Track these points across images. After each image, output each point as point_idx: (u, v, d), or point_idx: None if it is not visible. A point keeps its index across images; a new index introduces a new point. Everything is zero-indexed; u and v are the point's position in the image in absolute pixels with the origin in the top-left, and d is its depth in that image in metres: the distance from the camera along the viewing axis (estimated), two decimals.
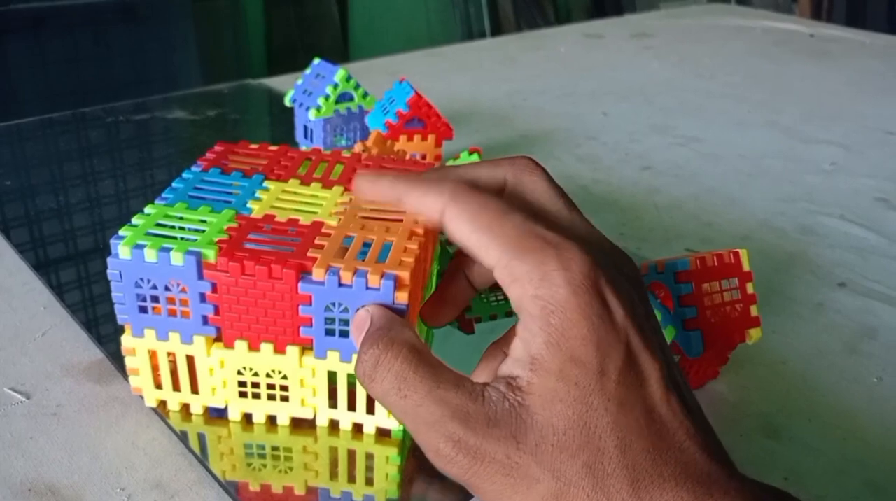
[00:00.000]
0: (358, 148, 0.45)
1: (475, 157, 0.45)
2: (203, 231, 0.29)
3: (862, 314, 0.43)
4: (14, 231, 0.48)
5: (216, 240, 0.28)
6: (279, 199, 0.32)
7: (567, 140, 0.68)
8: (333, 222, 0.30)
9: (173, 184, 0.32)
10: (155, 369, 0.31)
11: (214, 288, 0.28)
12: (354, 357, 0.28)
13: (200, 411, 0.32)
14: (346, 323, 0.28)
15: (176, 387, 0.31)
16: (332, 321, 0.28)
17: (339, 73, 0.55)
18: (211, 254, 0.27)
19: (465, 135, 0.66)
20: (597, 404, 0.23)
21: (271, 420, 0.32)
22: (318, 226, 0.30)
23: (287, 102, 0.58)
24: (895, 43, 1.06)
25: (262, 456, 0.30)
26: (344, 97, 0.56)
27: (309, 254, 0.28)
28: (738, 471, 0.23)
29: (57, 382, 0.34)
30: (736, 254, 0.33)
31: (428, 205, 0.27)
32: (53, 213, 0.50)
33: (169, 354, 0.30)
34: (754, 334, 0.33)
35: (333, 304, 0.27)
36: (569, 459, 0.23)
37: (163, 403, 0.32)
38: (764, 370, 0.38)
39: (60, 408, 0.33)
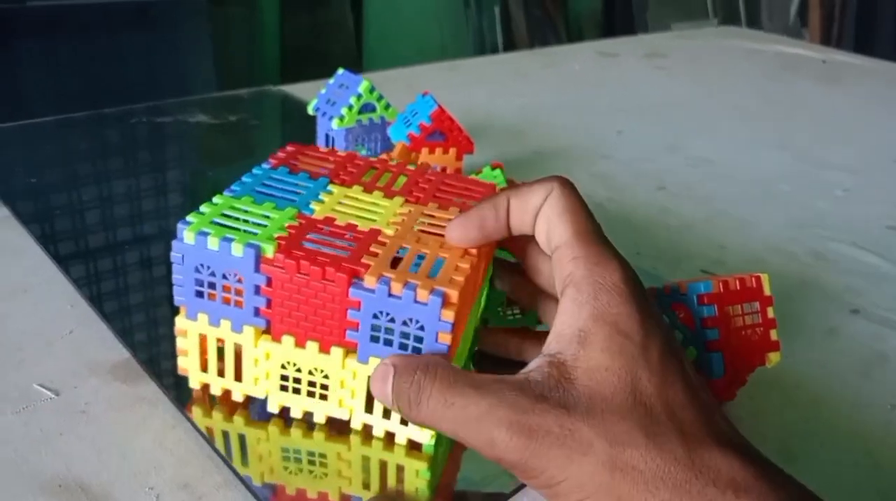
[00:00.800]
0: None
1: (498, 173, 0.45)
2: (265, 226, 0.30)
3: (874, 340, 0.44)
4: (41, 229, 0.48)
5: (276, 236, 0.29)
6: (341, 204, 0.33)
7: (582, 157, 0.69)
8: (390, 231, 0.31)
9: (243, 179, 0.34)
10: (203, 353, 0.32)
11: (269, 282, 0.29)
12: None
13: (241, 398, 0.32)
14: (391, 331, 0.29)
15: (220, 373, 0.32)
16: (378, 328, 0.29)
17: (364, 85, 0.56)
18: (269, 249, 0.29)
19: (479, 148, 0.67)
20: (641, 374, 0.25)
21: (308, 424, 0.32)
22: (374, 233, 0.31)
23: (310, 111, 0.58)
24: None
25: (295, 461, 0.31)
26: (366, 108, 0.57)
27: (363, 261, 0.29)
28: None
29: (84, 380, 0.35)
30: (758, 279, 0.33)
31: (537, 190, 0.30)
32: (80, 212, 0.51)
33: (218, 340, 0.31)
34: (774, 358, 0.33)
35: (381, 312, 0.28)
36: (619, 420, 0.24)
37: (205, 386, 0.33)
38: (778, 393, 0.38)
39: (89, 406, 0.33)
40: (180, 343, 0.32)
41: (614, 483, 0.23)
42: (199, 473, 0.30)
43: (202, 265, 0.29)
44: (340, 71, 0.59)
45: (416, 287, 0.27)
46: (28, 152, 0.60)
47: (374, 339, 0.29)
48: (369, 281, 0.28)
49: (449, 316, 0.27)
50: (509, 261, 0.37)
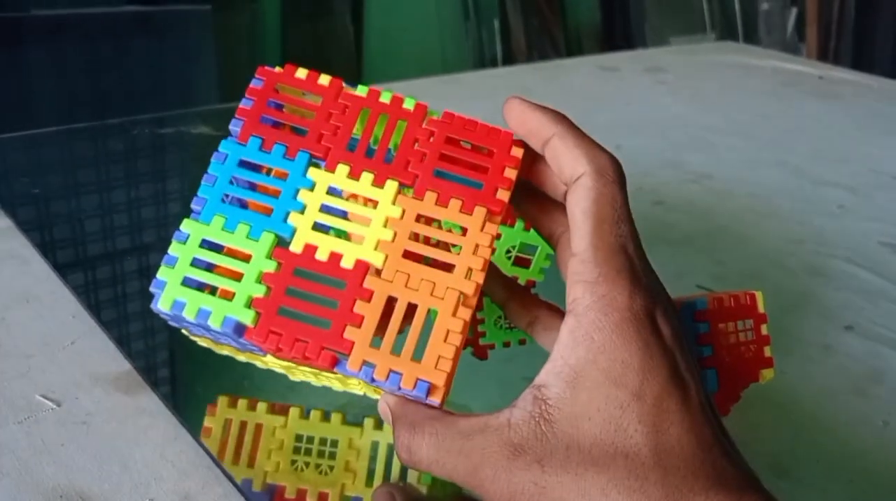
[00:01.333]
0: None
1: None
2: (240, 276, 0.28)
3: (869, 357, 0.44)
4: (43, 238, 0.49)
5: (253, 298, 0.27)
6: (322, 211, 0.29)
7: None
8: (378, 261, 0.28)
9: (209, 170, 0.30)
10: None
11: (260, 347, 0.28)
12: None
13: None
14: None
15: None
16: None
17: None
18: (248, 319, 0.27)
19: None
20: (627, 425, 0.23)
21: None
22: (361, 270, 0.28)
23: None
24: None
25: (306, 457, 0.32)
26: None
27: (345, 337, 0.27)
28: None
29: (86, 391, 0.35)
30: (752, 296, 0.34)
31: (573, 163, 0.27)
32: (82, 222, 0.52)
33: None
34: (767, 374, 0.34)
35: (371, 380, 0.28)
36: (596, 474, 0.23)
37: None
38: (773, 410, 0.39)
39: (90, 417, 0.33)
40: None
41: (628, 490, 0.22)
42: (199, 485, 0.30)
43: (190, 323, 0.28)
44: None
45: (401, 377, 0.27)
46: (31, 162, 0.61)
47: None
48: (352, 365, 0.27)
49: (437, 397, 0.27)
50: (505, 276, 0.37)
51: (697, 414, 0.24)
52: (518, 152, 0.31)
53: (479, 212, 0.30)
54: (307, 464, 0.32)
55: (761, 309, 0.34)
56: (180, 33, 1.49)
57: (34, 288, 0.43)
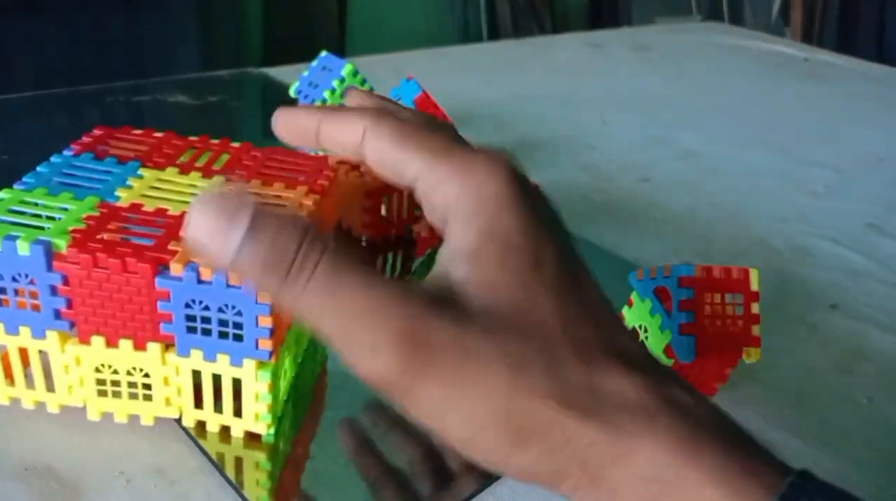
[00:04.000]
0: None
1: None
2: (59, 219, 0.27)
3: (853, 336, 0.44)
4: None
5: (71, 229, 0.27)
6: (152, 188, 0.30)
7: (568, 147, 0.68)
8: None
9: (37, 169, 0.31)
10: (6, 366, 0.30)
11: (66, 281, 0.27)
12: (218, 356, 0.28)
13: (57, 410, 0.30)
14: (208, 320, 0.27)
15: (30, 385, 0.30)
16: (194, 318, 0.27)
17: (347, 68, 0.55)
18: (62, 244, 0.26)
19: (466, 136, 0.66)
20: (537, 290, 0.22)
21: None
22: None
23: (292, 93, 0.57)
24: (886, 70, 1.08)
25: None
26: None
27: (170, 247, 0.26)
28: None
29: None
30: (746, 272, 0.33)
31: (349, 128, 0.25)
32: None
33: (20, 349, 0.29)
34: (753, 353, 0.33)
35: (193, 301, 0.26)
36: (519, 341, 0.21)
37: (16, 401, 0.30)
38: (758, 387, 0.38)
39: None
40: None
41: (516, 412, 0.20)
42: (172, 458, 0.29)
43: None
44: (324, 53, 0.58)
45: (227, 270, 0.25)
46: (1, 127, 0.59)
47: (192, 330, 0.27)
48: (175, 268, 0.26)
49: (266, 297, 0.26)
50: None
51: (593, 293, 0.23)
52: (333, 167, 0.33)
53: (301, 188, 0.31)
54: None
55: (754, 286, 0.33)
56: (162, 3, 1.46)
57: None
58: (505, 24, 1.95)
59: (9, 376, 0.30)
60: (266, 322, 0.27)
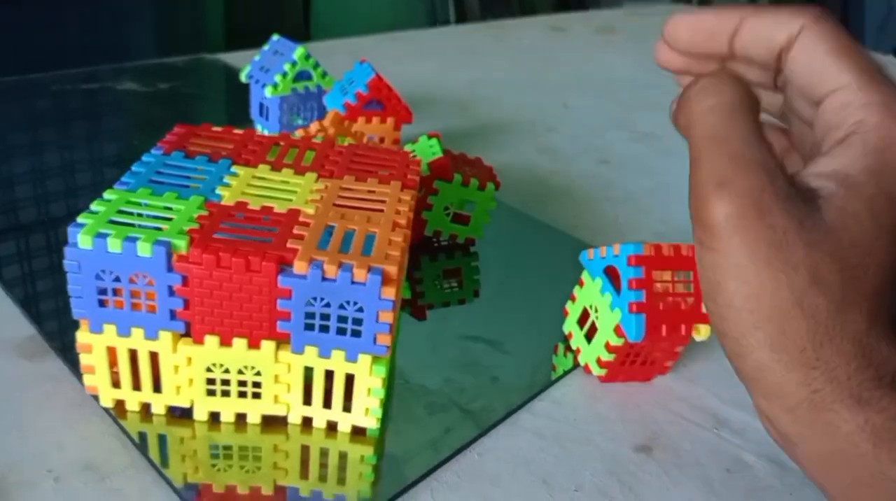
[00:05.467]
0: (314, 128, 0.44)
1: (434, 142, 0.44)
2: (170, 219, 0.27)
3: None
4: None
5: (187, 229, 0.26)
6: (250, 185, 0.30)
7: (527, 131, 0.68)
8: (311, 210, 0.29)
9: (133, 168, 0.30)
10: (113, 365, 0.29)
11: (185, 281, 0.26)
12: (333, 352, 0.28)
13: (163, 411, 0.30)
14: (327, 317, 0.27)
15: (136, 386, 0.29)
16: (312, 315, 0.27)
17: (298, 51, 0.54)
18: (182, 245, 0.26)
19: (424, 120, 0.65)
20: (880, 245, 0.22)
21: (239, 417, 0.30)
22: (294, 214, 0.29)
23: (243, 78, 0.56)
24: None
25: (225, 456, 0.28)
26: (302, 76, 0.54)
27: (289, 246, 0.26)
28: None
29: None
30: (693, 249, 0.33)
31: (782, 24, 0.25)
32: None
33: (130, 350, 0.28)
34: (703, 330, 0.33)
35: (315, 299, 0.26)
36: (829, 270, 0.22)
37: (120, 403, 0.30)
38: (712, 365, 0.38)
39: None
40: (84, 359, 0.28)
41: (789, 317, 0.21)
42: (104, 454, 0.28)
43: (104, 271, 0.26)
44: (276, 37, 0.57)
45: (353, 267, 0.25)
46: None
47: (309, 327, 0.27)
48: (300, 266, 0.26)
49: (390, 293, 0.26)
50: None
51: None
52: (417, 160, 0.35)
53: (395, 184, 0.32)
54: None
55: None
56: None
57: None
58: (472, 8, 1.93)
59: (114, 378, 0.29)
60: (387, 317, 0.26)
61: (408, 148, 0.46)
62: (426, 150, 0.43)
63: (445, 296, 0.41)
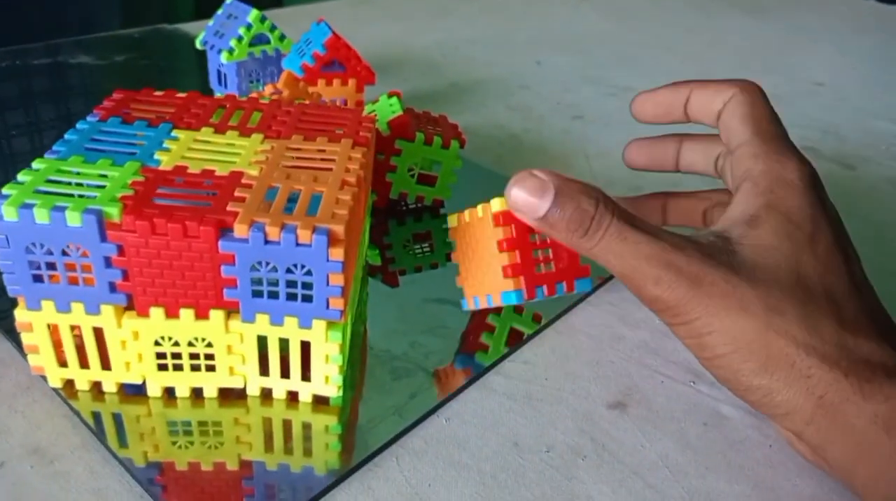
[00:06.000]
0: (268, 90, 0.42)
1: (395, 101, 0.42)
2: (103, 187, 0.25)
3: None
4: None
5: (119, 195, 0.25)
6: (191, 149, 0.29)
7: (499, 89, 0.66)
8: (254, 172, 0.27)
9: (66, 136, 0.29)
10: (58, 345, 0.27)
11: (121, 251, 0.25)
12: (286, 319, 0.26)
13: (114, 389, 0.28)
14: (275, 283, 0.25)
15: (84, 364, 0.28)
16: (260, 281, 0.25)
17: (253, 14, 0.52)
18: (114, 213, 0.24)
19: (392, 83, 0.63)
20: (806, 259, 0.26)
21: (195, 392, 0.29)
22: (237, 176, 0.27)
23: (198, 45, 0.54)
24: None
25: (185, 432, 0.27)
26: (260, 40, 0.52)
27: (229, 209, 0.25)
28: None
29: None
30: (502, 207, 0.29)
31: (719, 93, 0.31)
32: None
33: (73, 327, 0.27)
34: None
35: (260, 263, 0.25)
36: (780, 293, 0.25)
37: (69, 383, 0.28)
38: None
39: None
40: (26, 339, 0.27)
41: (765, 342, 0.24)
42: (52, 436, 0.27)
43: (34, 244, 0.24)
44: (229, 0, 0.54)
45: (297, 228, 0.24)
46: None
47: (257, 294, 0.26)
48: (240, 229, 0.24)
49: (338, 254, 0.24)
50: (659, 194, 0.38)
51: (859, 278, 0.27)
52: (371, 117, 0.33)
53: (346, 142, 0.30)
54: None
55: None
56: None
57: None
58: None
59: (60, 357, 0.28)
60: (338, 280, 0.25)
61: (368, 108, 0.44)
62: (386, 110, 0.42)
63: (417, 261, 0.40)
